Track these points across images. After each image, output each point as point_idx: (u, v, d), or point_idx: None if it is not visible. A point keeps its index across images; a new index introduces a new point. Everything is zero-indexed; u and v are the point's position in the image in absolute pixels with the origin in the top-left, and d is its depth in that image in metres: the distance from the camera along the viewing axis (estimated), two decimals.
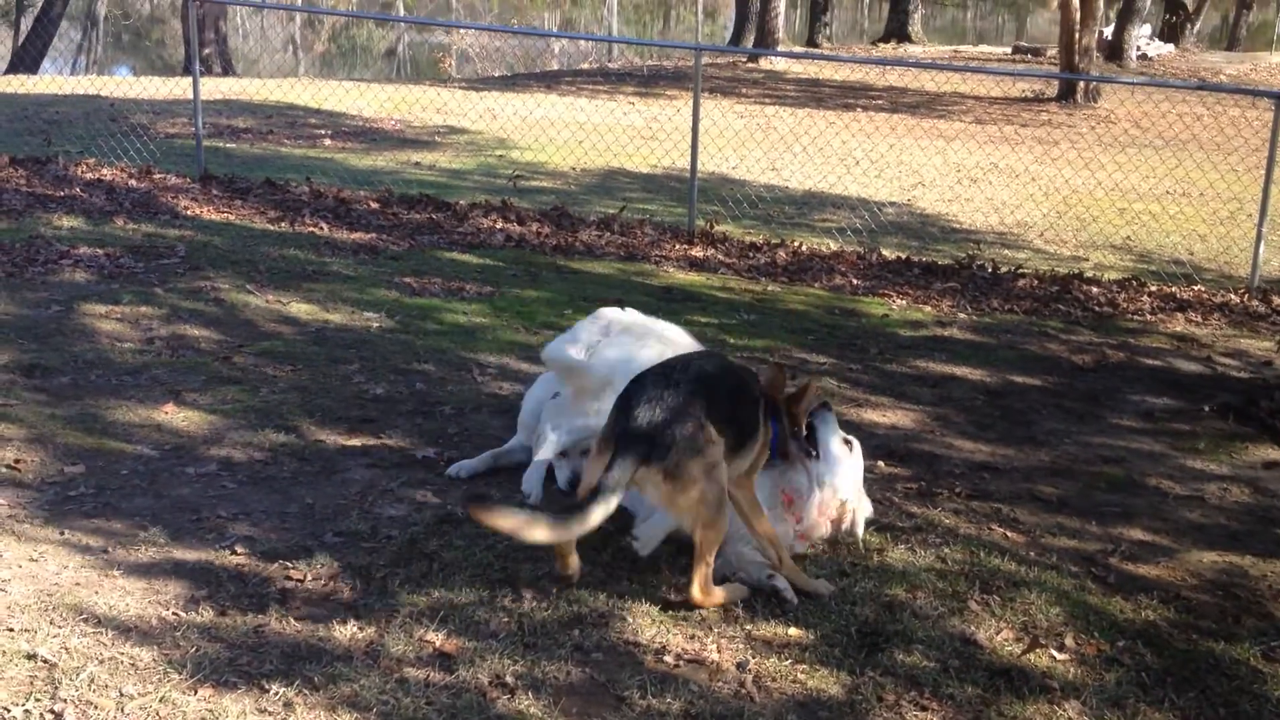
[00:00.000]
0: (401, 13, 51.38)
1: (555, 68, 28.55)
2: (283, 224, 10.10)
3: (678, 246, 10.55)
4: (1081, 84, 22.12)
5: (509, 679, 3.77)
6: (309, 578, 4.34)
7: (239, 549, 4.52)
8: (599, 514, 3.97)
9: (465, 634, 4.02)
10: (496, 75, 26.65)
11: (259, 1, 30.22)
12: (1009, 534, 5.21)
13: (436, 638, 3.98)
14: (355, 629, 4.01)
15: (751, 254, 10.51)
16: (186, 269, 8.52)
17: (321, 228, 10.09)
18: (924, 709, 3.80)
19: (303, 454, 5.50)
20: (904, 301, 9.35)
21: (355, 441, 5.70)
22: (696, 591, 4.25)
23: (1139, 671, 4.14)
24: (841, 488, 4.76)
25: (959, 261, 10.49)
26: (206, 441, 5.57)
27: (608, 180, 13.67)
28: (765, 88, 23.70)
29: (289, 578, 4.33)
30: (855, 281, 9.85)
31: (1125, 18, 28.33)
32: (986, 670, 4.06)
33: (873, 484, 5.55)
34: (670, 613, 4.28)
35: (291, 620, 4.04)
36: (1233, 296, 10.00)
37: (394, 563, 4.49)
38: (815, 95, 22.74)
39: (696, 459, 4.09)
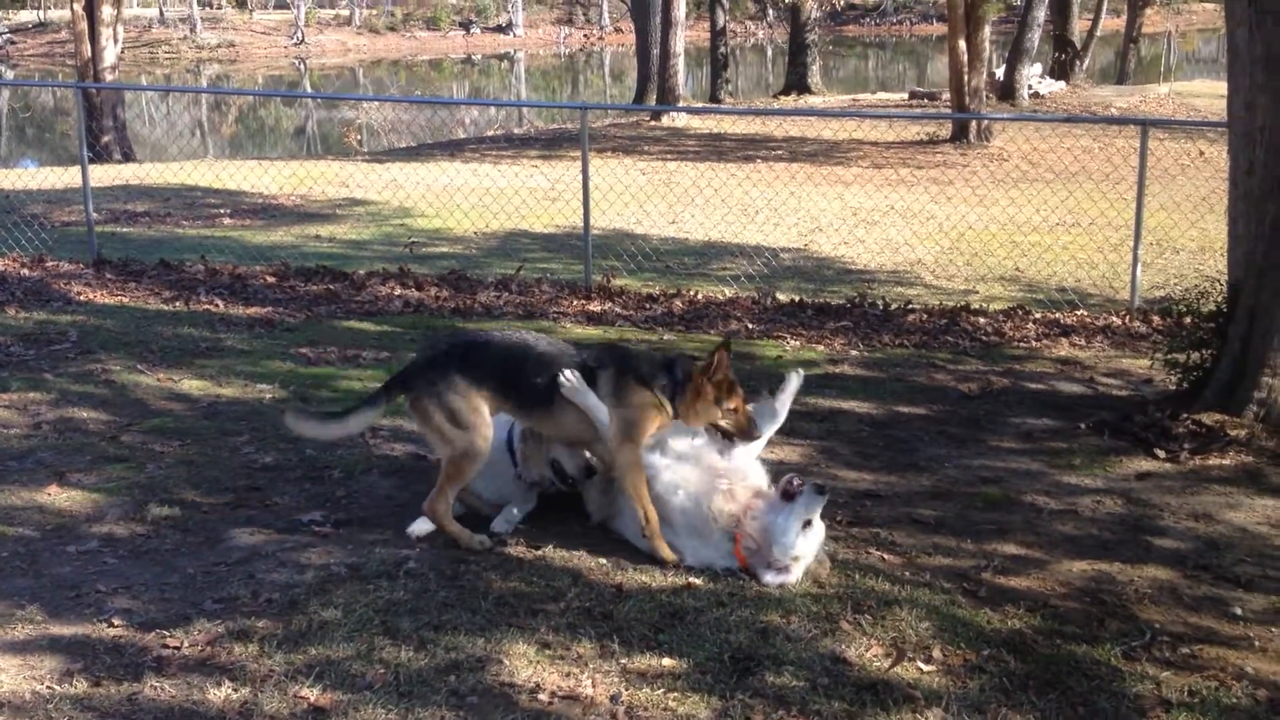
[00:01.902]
0: (308, 91, 51.49)
1: (461, 136, 28.75)
2: (177, 304, 10.10)
3: (575, 302, 10.68)
4: (974, 123, 22.69)
5: None
6: (186, 644, 4.36)
7: (116, 621, 4.53)
8: (356, 423, 5.52)
9: (340, 688, 4.07)
10: (402, 147, 26.79)
11: (149, 86, 30.14)
12: (886, 556, 5.35)
13: (311, 693, 4.02)
14: (230, 690, 4.04)
15: (648, 305, 10.66)
16: (78, 353, 8.50)
17: (217, 305, 10.10)
18: None
19: (186, 526, 5.52)
20: (797, 342, 9.53)
21: (241, 511, 5.73)
22: (427, 503, 5.32)
23: (1002, 677, 4.27)
24: (791, 545, 4.95)
25: (851, 301, 10.70)
26: (89, 520, 5.57)
27: (509, 242, 13.80)
28: (667, 144, 24.05)
29: (166, 645, 4.35)
30: (750, 326, 10.02)
31: (1015, 58, 29.10)
32: (854, 686, 4.17)
33: None
34: (548, 652, 4.36)
35: (166, 686, 4.06)
36: (1115, 319, 10.30)
37: (273, 625, 4.52)
38: (717, 149, 23.10)
39: (433, 401, 5.22)
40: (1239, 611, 4.93)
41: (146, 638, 4.41)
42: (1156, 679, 4.32)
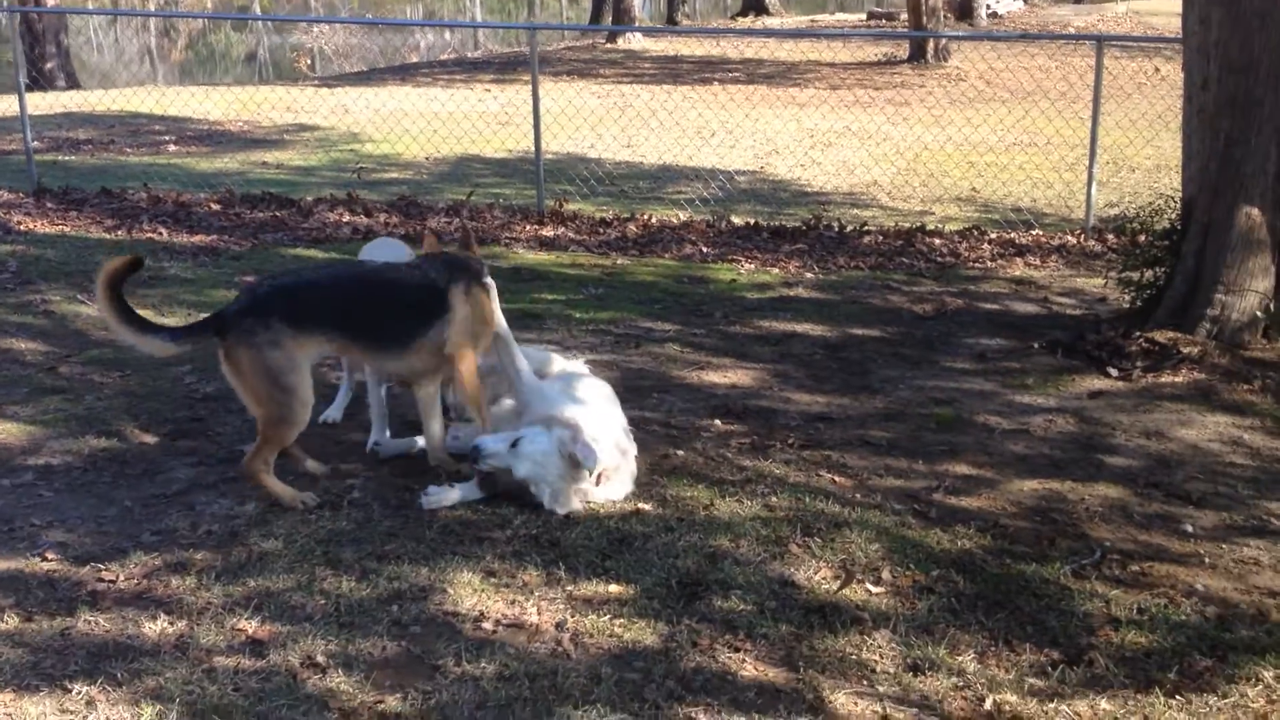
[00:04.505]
0: (258, 14, 50.45)
1: (414, 61, 28.28)
2: (119, 232, 9.88)
3: (528, 227, 10.53)
4: (932, 43, 22.52)
5: (320, 659, 3.74)
6: (121, 578, 4.26)
7: (50, 555, 4.42)
8: (150, 345, 4.75)
9: (279, 619, 3.98)
10: (353, 72, 26.33)
11: (93, 9, 29.37)
12: (837, 479, 5.30)
13: (249, 625, 3.93)
14: (165, 624, 3.95)
15: (602, 229, 10.52)
16: (17, 284, 8.30)
17: (160, 233, 9.88)
18: (737, 650, 3.86)
19: (124, 458, 5.39)
20: (752, 265, 9.44)
21: (181, 442, 5.60)
22: (244, 461, 4.86)
23: (951, 598, 4.24)
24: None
25: (807, 223, 10.61)
26: (24, 452, 5.44)
27: (460, 167, 13.58)
28: (623, 67, 23.73)
29: (101, 579, 4.24)
30: (705, 249, 9.92)
31: None
32: (802, 609, 4.12)
33: (708, 441, 5.63)
34: (493, 580, 4.28)
35: (100, 620, 3.96)
36: (1070, 238, 10.26)
37: (212, 556, 4.42)
38: (673, 72, 22.81)
39: (250, 352, 4.65)
40: (1189, 529, 4.92)
41: (81, 571, 4.30)
42: (1106, 597, 4.30)
